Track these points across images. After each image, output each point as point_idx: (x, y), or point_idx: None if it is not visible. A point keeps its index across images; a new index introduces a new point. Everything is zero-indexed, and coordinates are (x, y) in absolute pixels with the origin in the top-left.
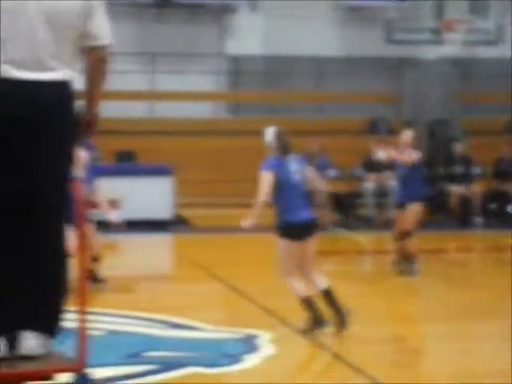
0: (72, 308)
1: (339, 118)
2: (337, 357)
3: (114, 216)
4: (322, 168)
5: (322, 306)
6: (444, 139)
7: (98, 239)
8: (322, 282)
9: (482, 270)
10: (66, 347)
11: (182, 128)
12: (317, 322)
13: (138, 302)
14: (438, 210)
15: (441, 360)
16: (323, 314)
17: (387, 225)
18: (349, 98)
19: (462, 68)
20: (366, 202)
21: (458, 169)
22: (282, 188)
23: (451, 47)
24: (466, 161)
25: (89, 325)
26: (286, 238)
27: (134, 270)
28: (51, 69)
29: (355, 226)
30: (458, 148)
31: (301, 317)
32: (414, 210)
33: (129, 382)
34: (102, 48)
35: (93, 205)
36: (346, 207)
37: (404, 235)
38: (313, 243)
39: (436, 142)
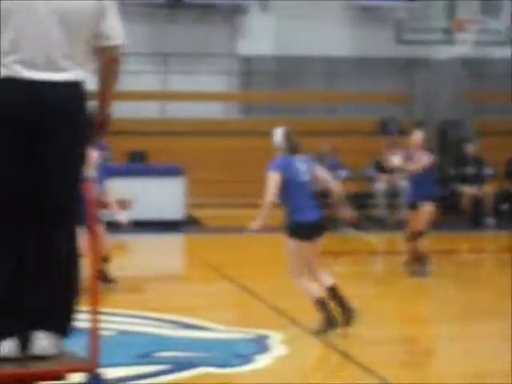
0: (84, 308)
1: (350, 119)
2: (347, 357)
3: (122, 216)
4: (333, 168)
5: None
6: (455, 140)
7: (108, 239)
8: (328, 280)
9: (493, 271)
10: (78, 347)
11: (194, 128)
12: (330, 323)
13: (149, 302)
14: (449, 210)
15: (451, 360)
16: (336, 315)
17: (399, 225)
18: (360, 98)
19: (474, 68)
20: (377, 203)
21: (470, 169)
22: (290, 188)
23: (462, 47)
24: (478, 161)
25: (100, 325)
26: (295, 238)
27: (146, 271)
28: (64, 69)
29: (367, 226)
30: (470, 148)
31: (312, 317)
32: (427, 210)
33: (140, 382)
34: (114, 48)
35: (103, 205)
36: (357, 208)
37: (416, 236)
38: (320, 243)
39: (447, 142)
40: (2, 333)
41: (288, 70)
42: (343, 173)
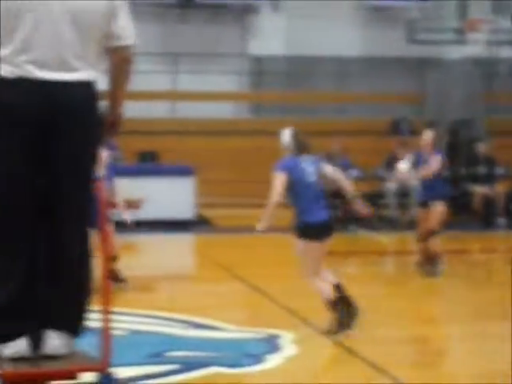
0: (96, 307)
1: (361, 119)
2: (359, 357)
3: (126, 216)
4: (343, 168)
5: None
6: (467, 139)
7: (116, 239)
8: (332, 278)
9: (505, 271)
10: (89, 347)
11: (204, 128)
12: (341, 324)
13: (159, 302)
14: (461, 210)
15: (463, 360)
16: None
17: (410, 225)
18: (371, 98)
19: (485, 68)
20: (388, 202)
21: (482, 169)
22: (297, 189)
23: (474, 47)
24: (490, 161)
25: (112, 324)
26: (304, 238)
27: (156, 270)
28: (76, 69)
29: (378, 226)
30: (481, 148)
31: (323, 317)
32: (438, 209)
33: (151, 381)
34: (125, 48)
35: (112, 205)
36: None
37: (427, 235)
38: (329, 243)
39: (459, 142)
40: (15, 332)
41: (299, 69)
42: (354, 172)
